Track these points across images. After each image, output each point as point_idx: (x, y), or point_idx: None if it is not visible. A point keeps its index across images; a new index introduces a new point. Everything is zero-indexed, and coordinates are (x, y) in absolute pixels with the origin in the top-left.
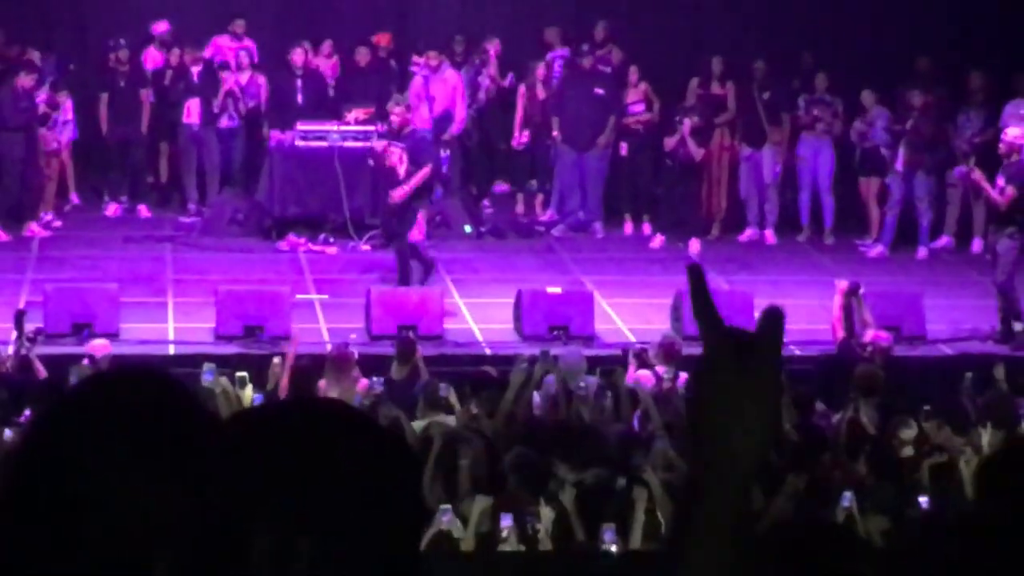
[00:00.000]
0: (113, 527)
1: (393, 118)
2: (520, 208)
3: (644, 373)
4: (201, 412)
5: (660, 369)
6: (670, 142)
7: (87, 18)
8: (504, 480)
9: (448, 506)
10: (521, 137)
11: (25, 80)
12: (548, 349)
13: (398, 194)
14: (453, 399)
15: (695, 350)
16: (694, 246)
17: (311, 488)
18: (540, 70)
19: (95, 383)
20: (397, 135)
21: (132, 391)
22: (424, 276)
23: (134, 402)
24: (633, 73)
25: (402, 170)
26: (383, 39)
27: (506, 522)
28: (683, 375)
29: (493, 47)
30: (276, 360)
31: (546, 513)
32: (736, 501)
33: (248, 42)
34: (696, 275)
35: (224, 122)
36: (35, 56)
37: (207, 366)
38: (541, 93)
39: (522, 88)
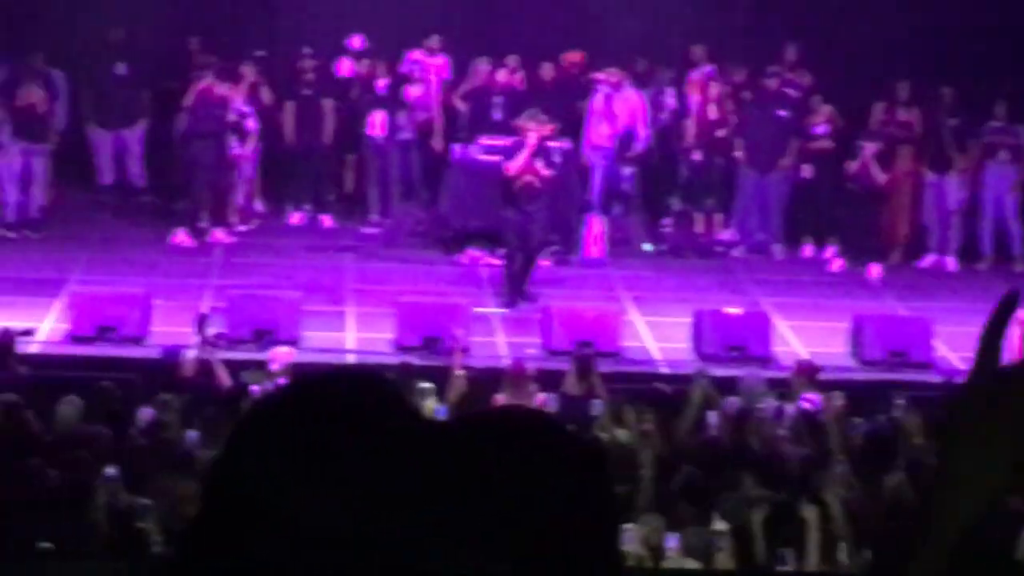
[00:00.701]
0: (322, 539)
1: (530, 135)
2: (700, 227)
3: (811, 395)
4: (422, 418)
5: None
6: (852, 166)
7: (279, 28)
8: (674, 499)
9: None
10: (694, 156)
11: (220, 88)
12: (724, 371)
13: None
14: (629, 417)
15: (859, 375)
16: (874, 271)
17: (515, 507)
18: (713, 89)
19: (311, 383)
20: (536, 151)
21: (352, 392)
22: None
23: (355, 404)
24: (817, 99)
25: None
26: (575, 57)
27: (672, 543)
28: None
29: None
30: (458, 372)
31: (723, 533)
32: (960, 532)
33: (440, 57)
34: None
35: (404, 135)
36: (248, 69)
37: None
38: (713, 113)
39: (696, 105)
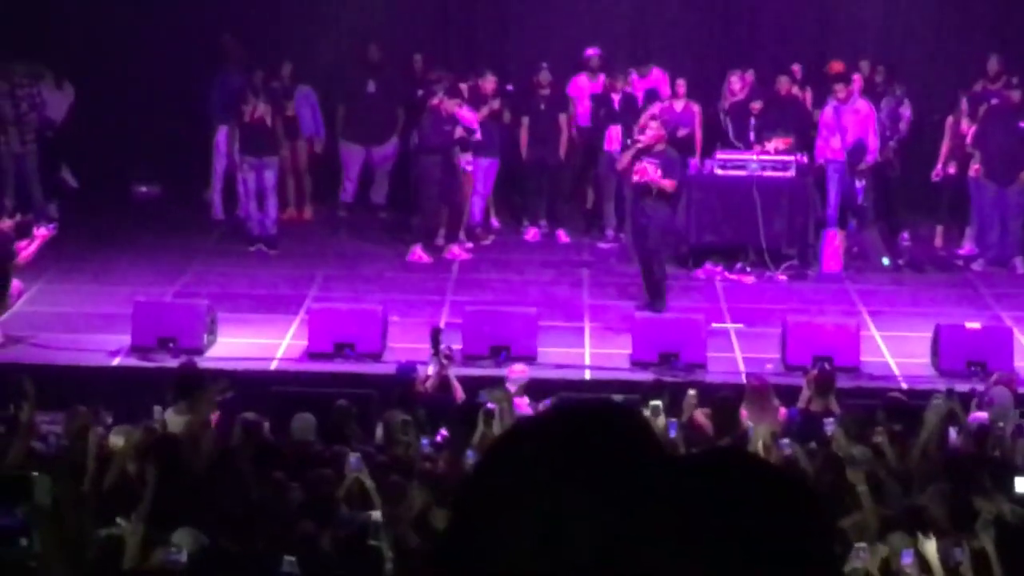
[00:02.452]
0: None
1: (648, 133)
2: (939, 241)
3: None
4: (663, 454)
5: None
6: None
7: (509, 44)
8: (919, 515)
9: (863, 544)
10: (948, 169)
11: (448, 104)
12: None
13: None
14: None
15: None
16: None
17: (740, 549)
18: (963, 103)
19: (563, 415)
20: (649, 151)
21: (599, 426)
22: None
23: (600, 437)
24: None
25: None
26: (838, 66)
27: (907, 559)
28: None
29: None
30: (692, 392)
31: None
32: None
33: (658, 72)
34: None
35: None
36: (489, 81)
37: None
38: (965, 126)
39: (949, 119)
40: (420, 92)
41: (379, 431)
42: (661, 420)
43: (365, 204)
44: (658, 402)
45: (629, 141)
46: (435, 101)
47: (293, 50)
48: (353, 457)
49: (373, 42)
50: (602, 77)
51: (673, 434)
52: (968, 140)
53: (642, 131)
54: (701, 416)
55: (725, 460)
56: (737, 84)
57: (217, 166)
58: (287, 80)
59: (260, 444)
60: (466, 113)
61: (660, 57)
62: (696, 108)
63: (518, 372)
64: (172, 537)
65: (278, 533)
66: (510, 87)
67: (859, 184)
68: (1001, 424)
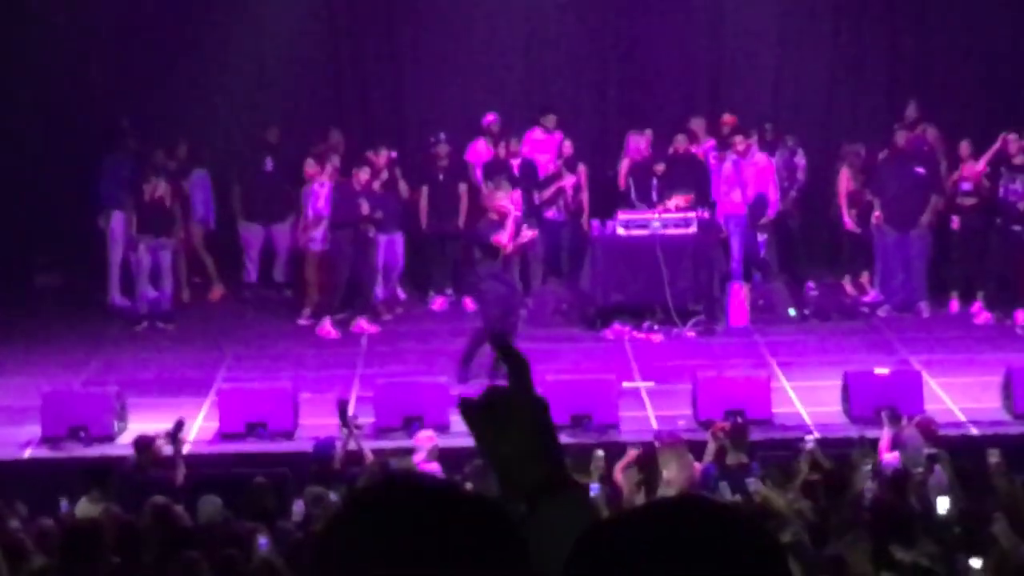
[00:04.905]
0: None
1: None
2: (849, 289)
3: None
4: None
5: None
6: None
7: (409, 110)
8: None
9: None
10: (848, 217)
11: (360, 176)
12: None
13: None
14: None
15: (1015, 429)
16: (1021, 318)
17: None
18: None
19: (379, 489)
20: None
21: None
22: None
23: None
24: (964, 146)
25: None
26: (729, 120)
27: None
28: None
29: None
30: (599, 453)
31: None
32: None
33: (557, 134)
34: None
35: (551, 213)
36: (382, 156)
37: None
38: (847, 177)
39: (844, 170)
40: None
41: (296, 508)
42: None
43: (268, 283)
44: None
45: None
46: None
47: (187, 130)
48: (262, 538)
49: (272, 123)
50: (503, 144)
51: (595, 493)
52: (848, 189)
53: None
54: (619, 475)
55: (686, 508)
56: (639, 144)
57: (113, 254)
58: (183, 160)
59: (170, 527)
60: (371, 187)
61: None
62: (584, 168)
63: (424, 439)
64: None
65: None
66: (394, 154)
67: (761, 237)
68: (920, 469)
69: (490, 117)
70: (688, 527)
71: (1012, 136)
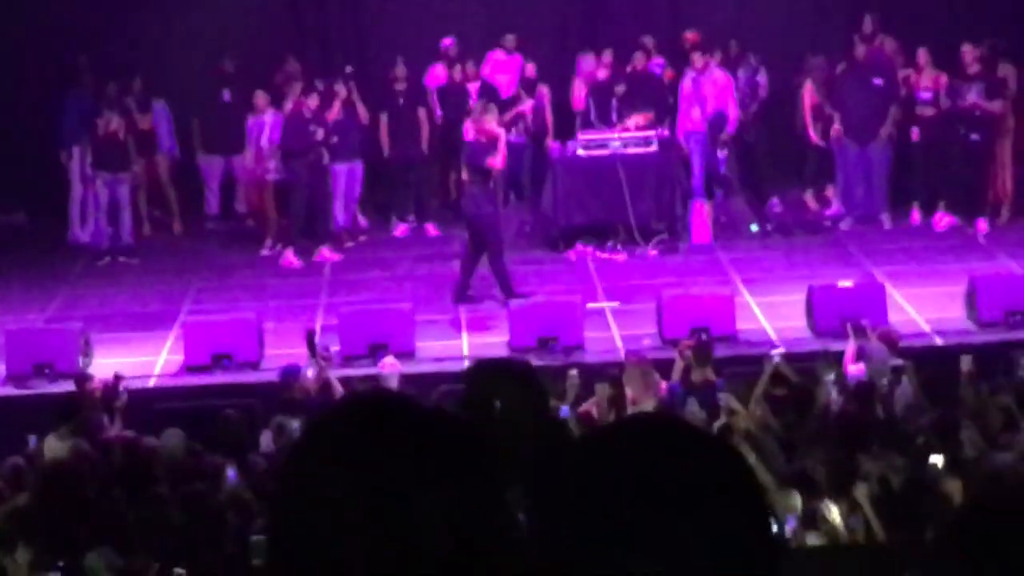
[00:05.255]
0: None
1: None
2: (811, 204)
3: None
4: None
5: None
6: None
7: (368, 37)
8: (809, 479)
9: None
10: (812, 131)
11: (310, 103)
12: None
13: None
14: (734, 403)
15: (978, 338)
16: (982, 227)
17: (684, 517)
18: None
19: (337, 409)
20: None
21: (375, 417)
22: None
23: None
24: (922, 55)
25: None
26: (693, 36)
27: (791, 524)
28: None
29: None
30: (573, 372)
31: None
32: None
33: (517, 56)
34: None
35: (511, 136)
36: (340, 87)
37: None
38: (810, 90)
39: (808, 84)
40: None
41: (264, 440)
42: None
43: (230, 214)
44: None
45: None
46: (293, 103)
47: (144, 65)
48: (230, 471)
49: (227, 53)
50: (460, 67)
51: (565, 415)
52: (811, 103)
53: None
54: (589, 404)
55: (654, 426)
56: (592, 65)
57: (74, 191)
58: (139, 94)
59: (139, 462)
60: (326, 114)
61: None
62: (545, 90)
63: (389, 366)
64: (85, 560)
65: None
66: (349, 68)
67: (721, 154)
68: (885, 381)
69: (447, 41)
70: (656, 444)
71: (967, 47)
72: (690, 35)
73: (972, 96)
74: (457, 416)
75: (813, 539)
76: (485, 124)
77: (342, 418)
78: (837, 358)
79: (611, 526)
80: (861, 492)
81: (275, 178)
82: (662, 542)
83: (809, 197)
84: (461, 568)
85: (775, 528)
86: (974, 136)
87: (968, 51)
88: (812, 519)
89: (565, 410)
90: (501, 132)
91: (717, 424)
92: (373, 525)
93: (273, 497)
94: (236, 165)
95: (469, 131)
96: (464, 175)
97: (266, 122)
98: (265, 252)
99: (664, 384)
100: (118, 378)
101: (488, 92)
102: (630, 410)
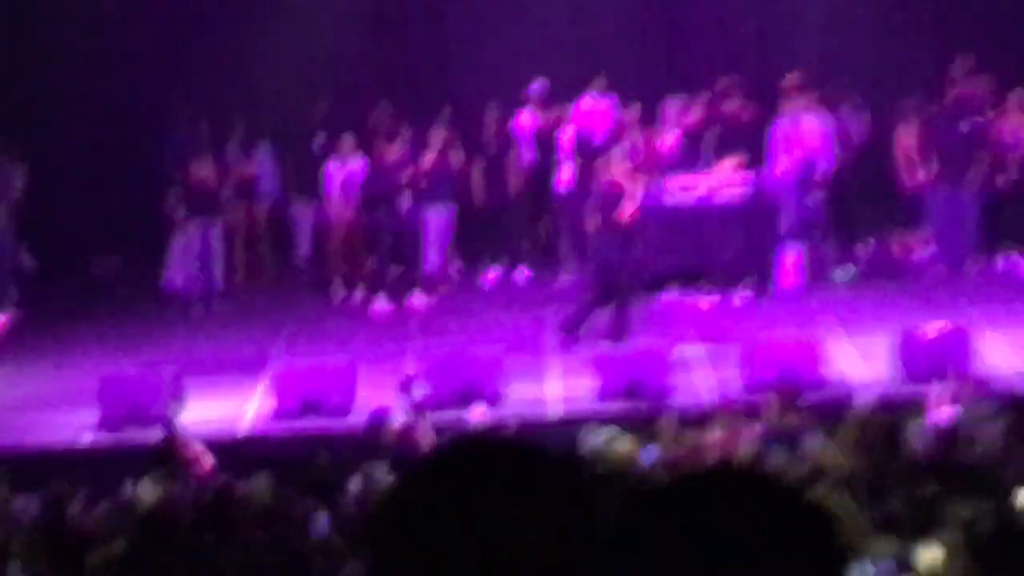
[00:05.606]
0: None
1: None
2: (898, 248)
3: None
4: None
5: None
6: None
7: (460, 81)
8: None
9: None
10: (915, 176)
11: (393, 148)
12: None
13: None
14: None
15: None
16: None
17: (754, 566)
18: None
19: (452, 450)
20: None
21: (487, 459)
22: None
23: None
24: (1013, 100)
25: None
26: (794, 79)
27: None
28: None
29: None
30: (667, 416)
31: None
32: None
33: (607, 100)
34: None
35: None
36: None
37: None
38: (906, 134)
39: (902, 127)
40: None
41: (352, 486)
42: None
43: (322, 260)
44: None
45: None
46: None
47: (242, 109)
48: (322, 517)
49: (319, 97)
50: (550, 112)
51: (651, 461)
52: (906, 146)
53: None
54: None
55: (736, 478)
56: (680, 108)
57: (172, 236)
58: (241, 136)
59: (229, 506)
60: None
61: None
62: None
63: (478, 415)
64: None
65: None
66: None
67: (815, 198)
68: (975, 426)
69: (535, 85)
70: (728, 497)
71: None
72: (791, 77)
73: None
74: (560, 455)
75: None
76: (615, 177)
77: (452, 456)
78: (926, 403)
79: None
80: (953, 536)
81: (352, 223)
82: None
83: (896, 242)
84: None
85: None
86: None
87: None
88: (905, 564)
89: (652, 452)
90: (627, 184)
91: (802, 470)
92: (482, 558)
93: (377, 535)
94: (325, 211)
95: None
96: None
97: (351, 167)
98: (351, 297)
99: (755, 430)
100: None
101: (583, 140)
102: (717, 457)
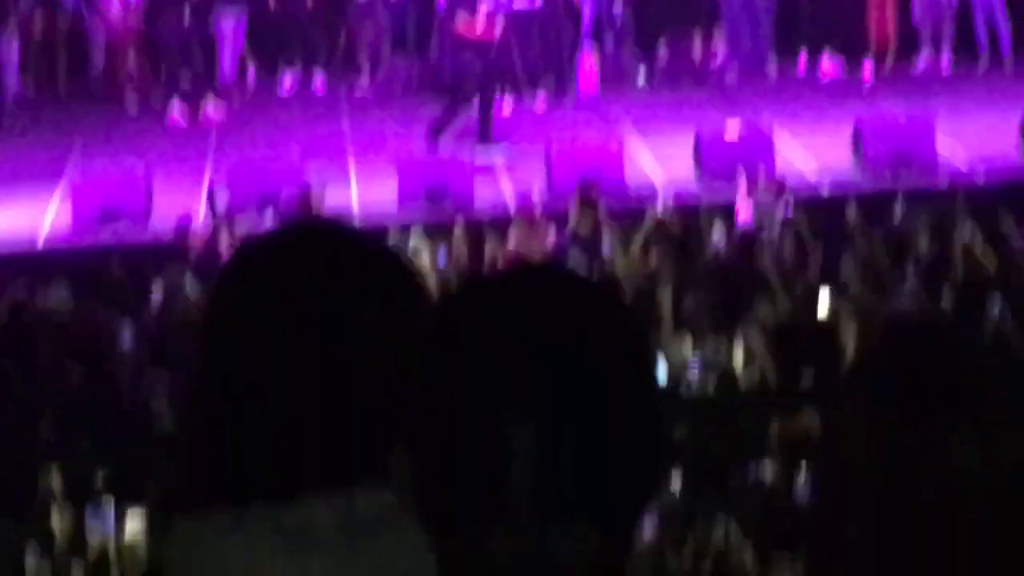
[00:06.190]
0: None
1: None
2: (696, 52)
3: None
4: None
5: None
6: None
7: None
8: (696, 323)
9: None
10: None
11: None
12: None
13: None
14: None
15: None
16: (867, 70)
17: (564, 365)
18: None
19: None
20: None
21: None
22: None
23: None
24: None
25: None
26: None
27: (695, 367)
28: None
29: None
30: (458, 227)
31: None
32: None
33: None
34: None
35: None
36: None
37: None
38: None
39: None
40: None
41: (154, 296)
42: (425, 257)
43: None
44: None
45: None
46: None
47: None
48: (125, 329)
49: None
50: None
51: (443, 265)
52: None
53: None
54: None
55: (532, 274)
56: None
57: None
58: None
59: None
60: None
61: None
62: None
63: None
64: None
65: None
66: None
67: (616, 4)
68: (773, 230)
69: None
70: (533, 292)
71: None
72: None
73: None
74: (387, 245)
75: (710, 382)
76: None
77: (273, 240)
78: (724, 208)
79: (485, 377)
80: (752, 336)
81: (141, 30)
82: (540, 392)
83: (696, 43)
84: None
85: (666, 375)
86: None
87: None
88: (703, 363)
89: (442, 254)
90: None
91: (599, 272)
92: (302, 340)
93: (211, 326)
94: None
95: None
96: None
97: None
98: (146, 107)
99: (552, 237)
100: None
101: None
102: (511, 261)
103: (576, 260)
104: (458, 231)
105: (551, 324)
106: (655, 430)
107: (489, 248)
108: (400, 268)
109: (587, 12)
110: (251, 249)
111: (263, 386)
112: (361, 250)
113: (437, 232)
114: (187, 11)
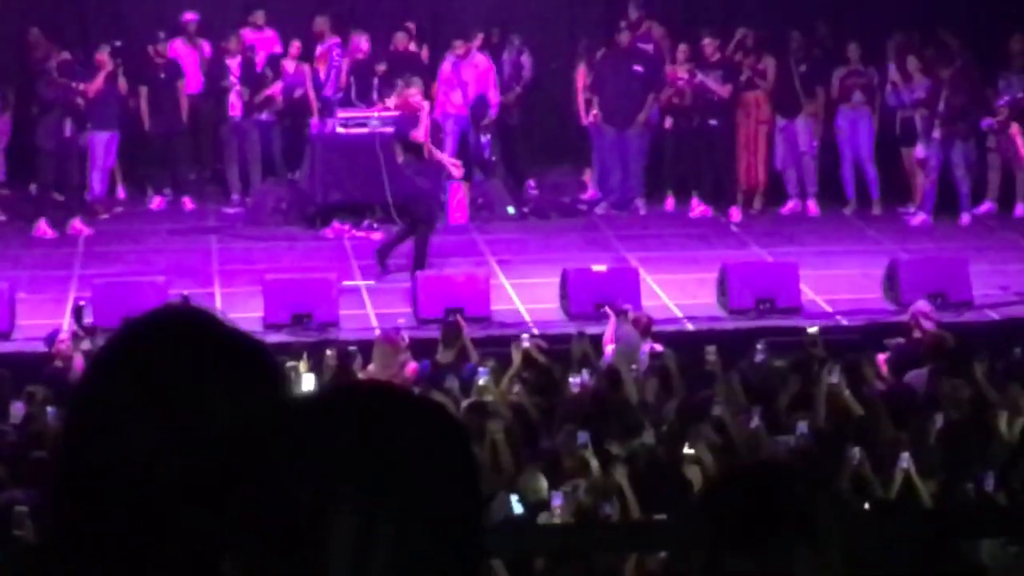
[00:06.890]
0: (172, 510)
1: (414, 102)
2: (589, 182)
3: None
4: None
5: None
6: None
7: (124, 13)
8: (555, 456)
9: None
10: (588, 116)
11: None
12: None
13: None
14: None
15: (729, 324)
16: (735, 215)
17: (388, 472)
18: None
19: (138, 329)
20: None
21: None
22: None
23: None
24: (682, 52)
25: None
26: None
27: (557, 500)
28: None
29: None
30: (330, 352)
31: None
32: None
33: (269, 32)
34: None
35: (264, 115)
36: (104, 51)
37: None
38: (583, 74)
39: (581, 66)
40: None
41: (14, 410)
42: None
43: None
44: (294, 363)
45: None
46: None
47: None
48: None
49: None
50: (206, 43)
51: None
52: (584, 85)
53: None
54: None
55: (366, 392)
56: (360, 43)
57: None
58: None
59: None
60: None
61: (272, 16)
62: (307, 69)
63: None
64: None
65: None
66: (117, 43)
67: (484, 138)
68: (634, 366)
69: (188, 16)
70: (364, 411)
71: (707, 39)
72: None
73: (710, 82)
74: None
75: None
76: (410, 98)
77: (143, 327)
78: (593, 341)
79: (311, 489)
80: (615, 469)
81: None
82: (361, 490)
83: (588, 177)
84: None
85: (519, 507)
86: (712, 122)
87: (708, 43)
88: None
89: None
90: (425, 105)
91: (468, 402)
92: (166, 428)
93: (66, 417)
94: None
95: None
96: (398, 154)
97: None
98: (13, 221)
99: (414, 364)
100: None
101: (248, 68)
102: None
103: (449, 387)
104: (327, 358)
105: (380, 436)
106: (471, 533)
107: (353, 371)
108: (262, 355)
109: (452, 144)
110: (112, 341)
111: (118, 486)
112: (222, 336)
113: (302, 353)
114: (68, 123)
